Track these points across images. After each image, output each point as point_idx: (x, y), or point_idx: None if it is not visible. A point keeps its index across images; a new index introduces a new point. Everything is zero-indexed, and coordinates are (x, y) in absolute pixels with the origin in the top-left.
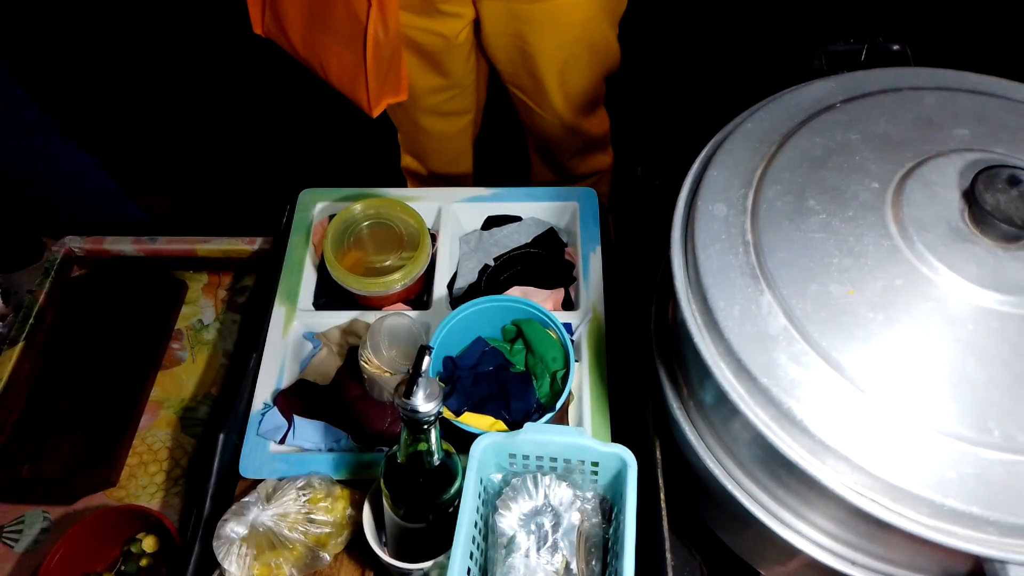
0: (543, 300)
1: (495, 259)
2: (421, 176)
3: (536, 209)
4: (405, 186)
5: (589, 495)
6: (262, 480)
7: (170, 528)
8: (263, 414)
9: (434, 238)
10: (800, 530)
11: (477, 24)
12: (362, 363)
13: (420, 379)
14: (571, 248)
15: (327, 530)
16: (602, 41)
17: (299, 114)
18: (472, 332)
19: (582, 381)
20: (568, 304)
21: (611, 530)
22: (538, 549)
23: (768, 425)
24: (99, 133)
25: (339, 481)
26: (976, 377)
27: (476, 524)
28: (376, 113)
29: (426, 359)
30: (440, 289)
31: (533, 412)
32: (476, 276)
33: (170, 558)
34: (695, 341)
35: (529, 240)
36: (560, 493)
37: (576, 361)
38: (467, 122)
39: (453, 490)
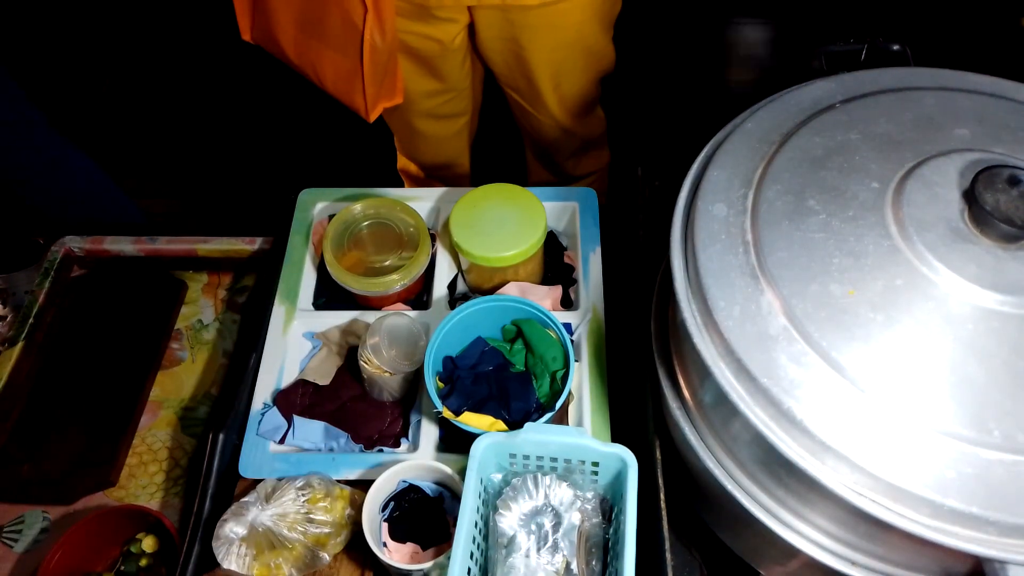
0: (542, 297)
1: None
2: (418, 178)
3: None
4: (404, 187)
5: (589, 495)
6: (261, 480)
7: (170, 528)
8: (263, 414)
9: (434, 238)
10: (800, 530)
11: (472, 28)
12: (362, 363)
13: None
14: (571, 252)
15: (326, 530)
16: (596, 44)
17: (299, 115)
18: (472, 332)
19: (582, 381)
20: (568, 304)
21: (611, 530)
22: (538, 549)
23: (768, 425)
24: (99, 134)
25: (339, 481)
26: (976, 377)
27: (476, 524)
28: (373, 118)
29: None
30: (440, 289)
31: (533, 412)
32: None
33: (170, 558)
34: (695, 341)
35: None
36: (560, 493)
37: (576, 361)
38: (463, 124)
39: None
